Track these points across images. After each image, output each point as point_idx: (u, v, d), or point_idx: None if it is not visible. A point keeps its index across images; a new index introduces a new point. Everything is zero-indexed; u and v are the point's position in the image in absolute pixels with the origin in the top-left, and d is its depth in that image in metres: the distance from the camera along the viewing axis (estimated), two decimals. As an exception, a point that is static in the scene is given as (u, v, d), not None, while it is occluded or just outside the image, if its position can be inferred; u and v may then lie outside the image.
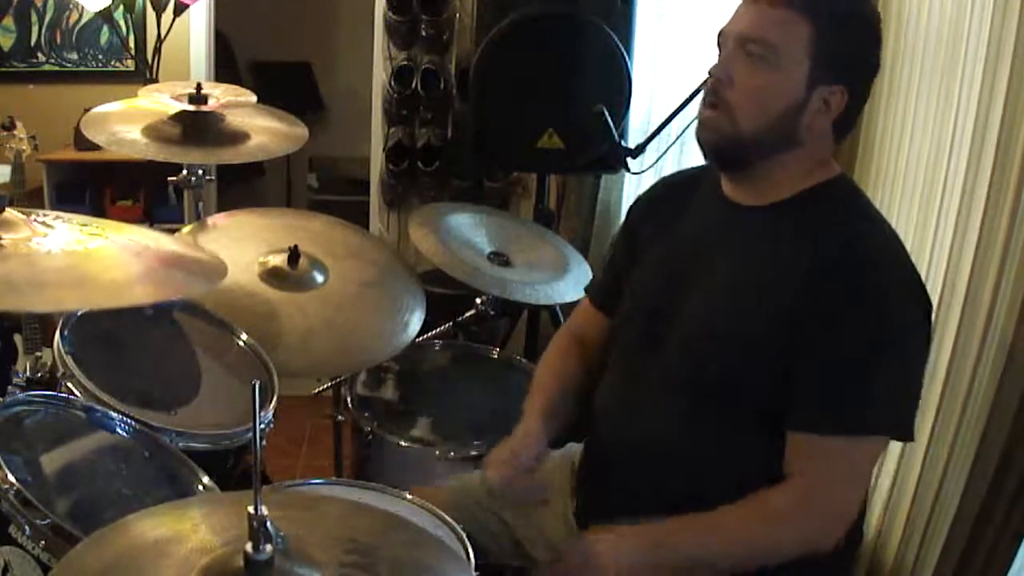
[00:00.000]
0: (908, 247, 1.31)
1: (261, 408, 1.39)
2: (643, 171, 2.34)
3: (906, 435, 1.27)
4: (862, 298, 1.22)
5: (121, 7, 3.38)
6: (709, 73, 1.30)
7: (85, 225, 1.30)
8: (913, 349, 1.26)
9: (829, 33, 1.23)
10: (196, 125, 2.03)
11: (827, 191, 1.32)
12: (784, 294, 1.25)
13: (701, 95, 1.33)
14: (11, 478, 1.13)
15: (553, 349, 1.63)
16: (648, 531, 1.26)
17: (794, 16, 1.23)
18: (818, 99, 1.26)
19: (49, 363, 1.51)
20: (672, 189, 1.54)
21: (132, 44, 3.60)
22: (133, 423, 1.41)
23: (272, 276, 1.90)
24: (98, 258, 1.21)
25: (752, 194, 1.36)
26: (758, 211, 1.34)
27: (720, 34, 1.31)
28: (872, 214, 1.34)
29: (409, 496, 1.46)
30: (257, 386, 0.88)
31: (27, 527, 1.11)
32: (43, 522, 1.11)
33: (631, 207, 1.63)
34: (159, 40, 3.25)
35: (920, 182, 1.96)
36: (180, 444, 1.44)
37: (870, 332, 1.21)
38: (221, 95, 2.10)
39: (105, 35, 3.63)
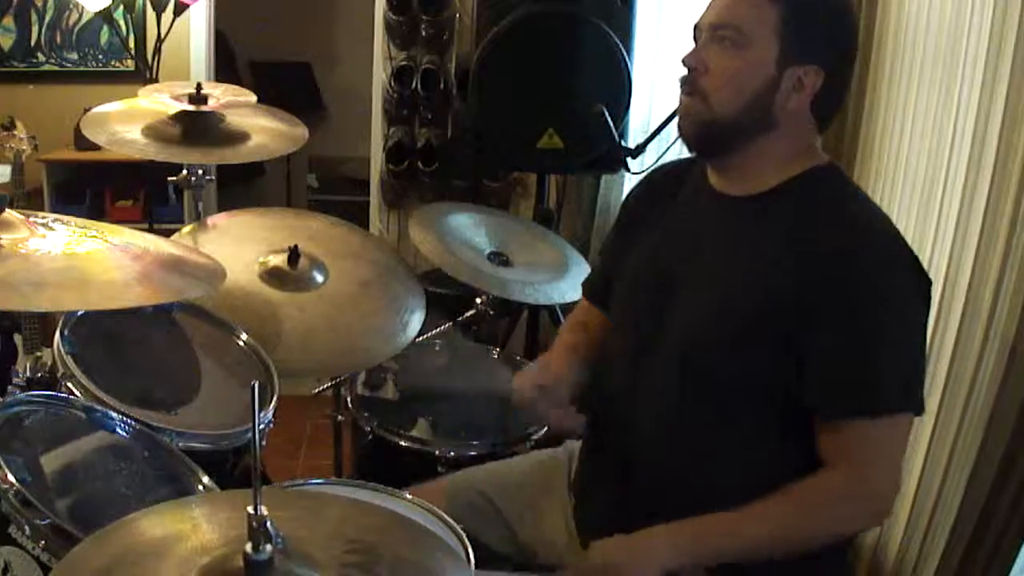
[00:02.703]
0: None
1: (261, 408, 1.39)
2: (643, 171, 2.33)
3: (919, 408, 1.28)
4: (861, 282, 1.22)
5: (121, 7, 3.38)
6: (683, 63, 1.33)
7: (83, 228, 1.30)
8: (916, 325, 1.27)
9: (796, 13, 1.26)
10: (196, 125, 2.03)
11: (814, 177, 1.33)
12: (779, 284, 1.25)
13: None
14: (11, 478, 1.12)
15: (563, 337, 1.64)
16: (683, 530, 1.26)
17: (760, 0, 1.27)
18: (791, 78, 1.27)
19: (49, 363, 1.50)
20: (663, 182, 1.55)
21: (132, 44, 3.60)
22: (133, 423, 1.40)
23: (272, 276, 1.89)
24: (97, 260, 1.21)
25: (738, 184, 1.36)
26: (747, 201, 1.35)
27: (695, 28, 1.34)
28: (861, 198, 1.35)
29: (409, 496, 1.46)
30: (256, 386, 0.88)
31: (27, 527, 1.10)
32: (43, 522, 1.11)
33: (624, 202, 1.64)
34: (159, 40, 3.25)
35: (921, 181, 1.95)
36: (180, 444, 1.44)
37: (873, 314, 1.22)
38: (221, 95, 2.10)
39: (105, 35, 3.63)
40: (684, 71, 1.33)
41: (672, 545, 1.25)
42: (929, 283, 1.28)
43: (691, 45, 1.34)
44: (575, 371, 1.50)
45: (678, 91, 1.35)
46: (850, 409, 1.23)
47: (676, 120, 1.38)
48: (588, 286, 1.66)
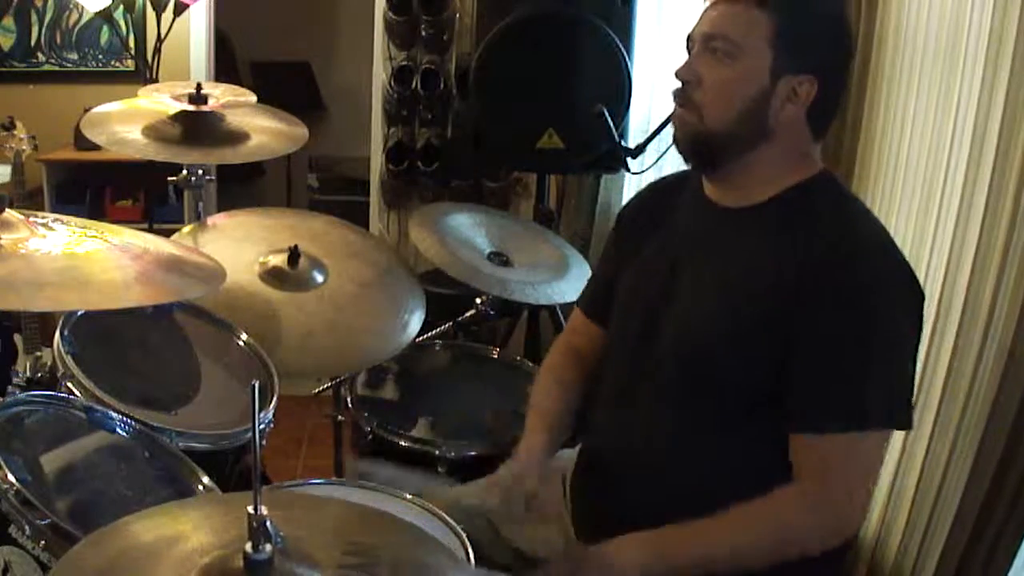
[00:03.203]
0: (907, 248, 1.31)
1: (261, 408, 1.39)
2: (643, 171, 2.34)
3: (906, 424, 1.27)
4: (851, 293, 1.22)
5: (121, 7, 3.38)
6: (676, 75, 1.32)
7: (84, 228, 1.30)
8: (905, 339, 1.26)
9: (789, 23, 1.25)
10: (196, 125, 2.03)
11: (810, 188, 1.32)
12: (773, 295, 1.25)
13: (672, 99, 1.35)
14: (11, 478, 1.13)
15: (549, 363, 1.62)
16: (652, 539, 1.25)
17: (753, 10, 1.26)
18: (784, 88, 1.26)
19: (49, 363, 1.51)
20: (658, 195, 1.54)
21: (132, 44, 3.60)
22: (133, 423, 1.41)
23: (272, 276, 1.89)
24: (97, 260, 1.21)
25: (735, 195, 1.36)
26: (743, 212, 1.34)
27: (688, 39, 1.33)
28: (857, 207, 1.34)
29: (409, 496, 1.46)
30: (256, 387, 0.88)
31: (27, 527, 1.11)
32: (43, 522, 1.11)
33: (619, 215, 1.62)
34: (159, 40, 3.25)
35: (920, 182, 1.95)
36: (180, 444, 1.44)
37: (862, 326, 1.22)
38: (221, 95, 2.10)
39: (105, 35, 3.63)
40: (677, 83, 1.32)
41: (638, 557, 1.24)
42: (923, 299, 1.28)
43: (686, 54, 1.34)
44: (551, 448, 1.46)
45: (672, 103, 1.34)
46: (833, 421, 1.22)
47: (671, 131, 1.38)
48: (586, 302, 1.64)
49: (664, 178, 1.62)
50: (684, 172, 1.48)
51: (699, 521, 1.24)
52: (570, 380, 1.56)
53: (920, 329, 1.29)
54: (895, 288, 1.25)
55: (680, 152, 1.36)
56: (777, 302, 1.25)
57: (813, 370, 1.23)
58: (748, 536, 1.24)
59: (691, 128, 1.31)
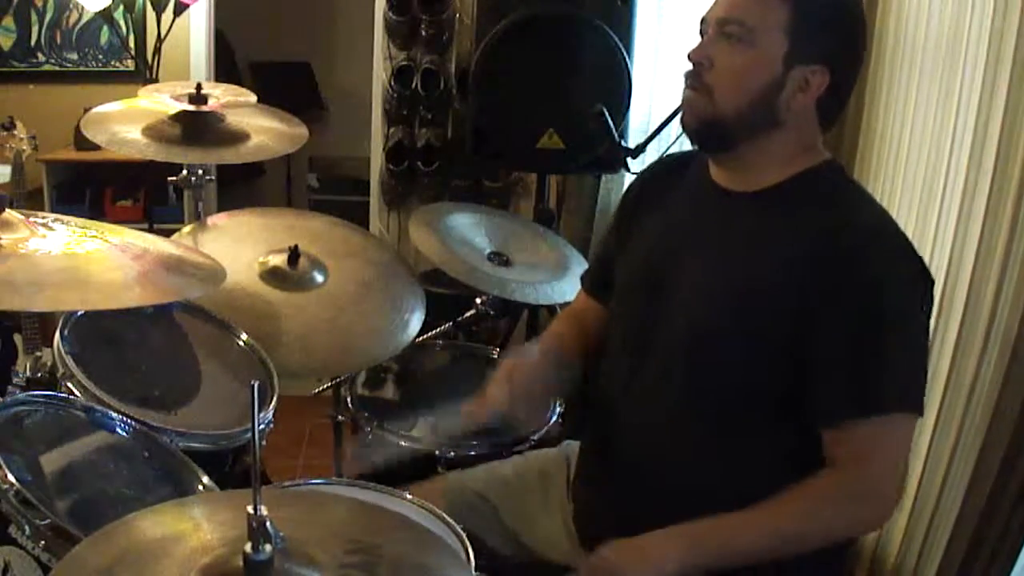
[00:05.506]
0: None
1: (261, 408, 1.39)
2: (643, 171, 2.33)
3: (920, 411, 1.27)
4: (864, 279, 1.22)
5: (121, 7, 3.38)
6: (689, 57, 1.32)
7: (84, 228, 1.30)
8: (920, 325, 1.27)
9: (806, 12, 1.25)
10: (196, 125, 2.03)
11: (816, 175, 1.32)
12: (781, 281, 1.25)
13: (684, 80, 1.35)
14: (11, 478, 1.12)
15: (553, 326, 1.64)
16: (689, 532, 1.25)
17: None
18: (797, 78, 1.26)
19: (49, 363, 1.51)
20: (663, 175, 1.54)
21: (132, 44, 3.60)
22: (133, 423, 1.40)
23: (272, 276, 1.89)
24: (97, 259, 1.21)
25: (740, 180, 1.36)
26: (748, 198, 1.34)
27: (702, 21, 1.33)
28: (863, 195, 1.35)
29: (409, 496, 1.46)
30: (256, 386, 0.88)
31: (27, 527, 1.10)
32: (43, 522, 1.11)
33: (624, 194, 1.62)
34: (159, 40, 3.25)
35: (921, 181, 1.95)
36: (180, 444, 1.44)
37: (877, 312, 1.22)
38: (221, 95, 2.10)
39: (105, 35, 3.63)
40: (688, 65, 1.32)
41: (676, 550, 1.24)
42: (932, 282, 1.28)
43: (693, 43, 1.34)
44: (553, 357, 1.46)
45: (682, 85, 1.34)
46: (853, 409, 1.22)
47: (679, 114, 1.37)
48: (587, 279, 1.66)
49: (672, 155, 1.62)
50: (690, 152, 1.48)
51: (736, 513, 1.24)
52: (571, 337, 1.57)
53: (931, 313, 1.29)
54: (908, 274, 1.25)
55: (688, 135, 1.36)
56: (782, 293, 1.25)
57: (834, 360, 1.23)
58: (789, 526, 1.24)
59: (701, 110, 1.31)
